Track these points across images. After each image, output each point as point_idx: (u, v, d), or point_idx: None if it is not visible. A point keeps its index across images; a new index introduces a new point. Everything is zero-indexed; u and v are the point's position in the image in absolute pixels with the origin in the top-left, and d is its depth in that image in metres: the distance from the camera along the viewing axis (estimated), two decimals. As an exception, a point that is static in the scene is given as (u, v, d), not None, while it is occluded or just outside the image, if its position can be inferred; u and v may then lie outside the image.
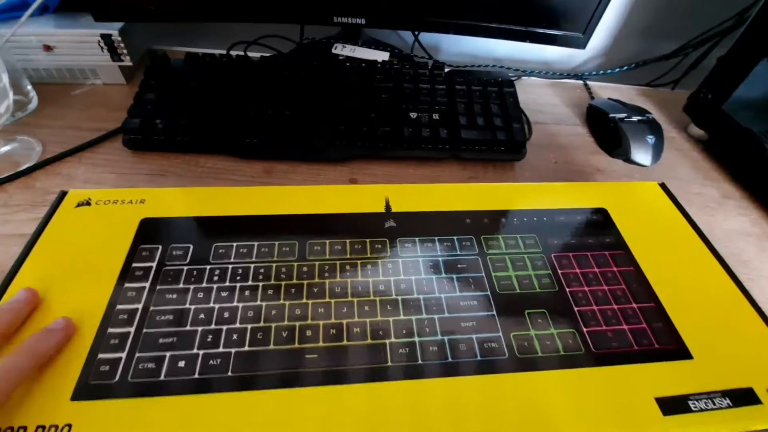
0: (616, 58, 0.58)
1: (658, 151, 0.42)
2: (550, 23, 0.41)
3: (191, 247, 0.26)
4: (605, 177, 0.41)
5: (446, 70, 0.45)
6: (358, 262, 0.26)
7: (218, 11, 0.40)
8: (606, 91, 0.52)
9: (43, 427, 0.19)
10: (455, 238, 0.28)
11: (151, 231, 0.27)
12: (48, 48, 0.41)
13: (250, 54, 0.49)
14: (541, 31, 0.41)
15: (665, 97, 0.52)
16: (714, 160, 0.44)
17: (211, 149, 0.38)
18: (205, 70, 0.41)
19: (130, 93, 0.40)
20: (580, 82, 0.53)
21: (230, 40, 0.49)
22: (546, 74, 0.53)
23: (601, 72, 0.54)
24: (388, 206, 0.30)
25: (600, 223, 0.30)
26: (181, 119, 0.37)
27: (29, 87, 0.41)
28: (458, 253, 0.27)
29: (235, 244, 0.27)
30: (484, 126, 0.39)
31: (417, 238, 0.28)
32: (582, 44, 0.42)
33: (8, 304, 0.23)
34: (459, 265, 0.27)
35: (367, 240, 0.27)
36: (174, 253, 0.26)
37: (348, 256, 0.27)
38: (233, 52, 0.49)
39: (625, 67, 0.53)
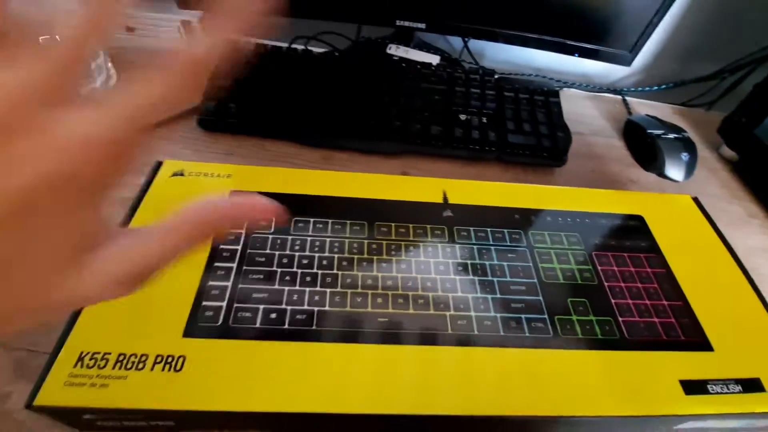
0: (653, 76, 0.61)
1: (691, 168, 0.45)
2: (599, 39, 0.44)
3: (274, 218, 0.30)
4: (638, 188, 0.44)
5: (495, 77, 0.48)
6: (421, 244, 0.30)
7: (289, 7, 0.44)
8: (643, 107, 0.55)
9: (162, 356, 0.24)
10: (506, 230, 0.32)
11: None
12: (130, 29, 0.45)
13: (310, 48, 0.53)
14: (589, 46, 0.44)
15: (700, 117, 0.55)
16: (742, 180, 0.47)
17: (276, 134, 0.42)
18: (273, 60, 0.45)
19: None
20: (619, 97, 0.56)
21: (291, 35, 0.53)
22: (586, 87, 0.57)
23: (640, 89, 0.57)
24: (445, 198, 0.33)
25: (636, 228, 0.34)
26: (252, 105, 0.41)
27: (110, 65, 0.46)
28: (508, 244, 0.31)
29: (312, 220, 0.31)
30: (530, 132, 0.43)
31: (472, 229, 0.31)
32: (628, 62, 0.45)
33: None
34: (509, 255, 0.30)
35: (428, 226, 0.31)
36: (260, 223, 0.30)
37: (411, 238, 0.30)
38: (295, 46, 0.53)
39: (664, 86, 0.56)
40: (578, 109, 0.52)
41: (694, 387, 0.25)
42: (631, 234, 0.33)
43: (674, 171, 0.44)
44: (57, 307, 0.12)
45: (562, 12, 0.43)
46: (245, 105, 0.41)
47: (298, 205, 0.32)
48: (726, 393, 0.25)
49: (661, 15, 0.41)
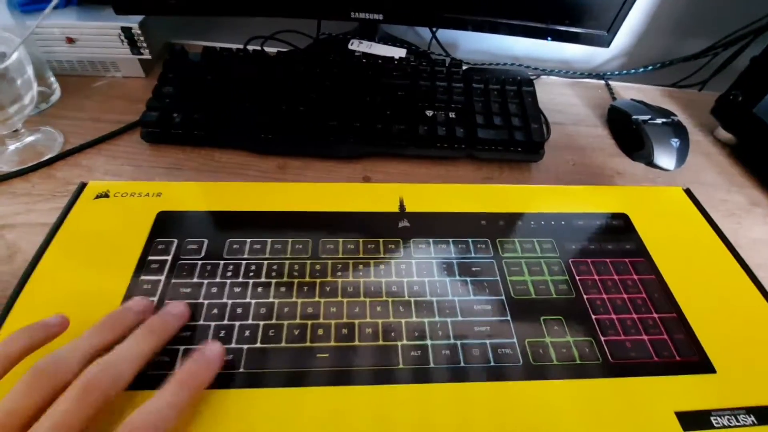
0: (639, 57, 0.56)
1: (682, 154, 0.40)
2: (573, 20, 0.40)
3: (206, 241, 0.26)
4: (625, 180, 0.39)
5: (464, 68, 0.44)
6: (371, 261, 0.26)
7: (236, 5, 0.40)
8: (629, 91, 0.50)
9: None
10: (470, 240, 0.27)
11: (167, 224, 0.27)
12: (70, 40, 0.42)
13: (266, 49, 0.49)
14: (562, 28, 0.40)
15: (692, 98, 0.50)
16: (742, 165, 0.42)
17: (227, 144, 0.38)
18: (222, 64, 0.41)
19: (149, 86, 0.40)
20: (602, 82, 0.51)
21: (247, 35, 0.49)
22: (566, 74, 0.52)
23: (624, 72, 0.52)
24: (402, 206, 0.29)
25: (620, 228, 0.29)
26: (198, 113, 0.37)
27: (52, 79, 0.42)
28: (473, 255, 0.27)
29: (248, 240, 0.27)
30: (502, 125, 0.38)
31: (431, 240, 0.27)
32: (606, 43, 0.40)
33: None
34: (473, 268, 0.26)
35: (381, 240, 0.27)
36: (189, 247, 0.26)
37: (361, 255, 0.26)
38: (250, 47, 0.49)
39: (650, 67, 0.52)
40: (557, 98, 0.48)
41: (694, 420, 0.21)
42: (614, 236, 0.29)
43: (664, 159, 0.40)
44: None
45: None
46: (191, 114, 0.37)
47: (233, 224, 0.28)
48: (735, 426, 0.20)
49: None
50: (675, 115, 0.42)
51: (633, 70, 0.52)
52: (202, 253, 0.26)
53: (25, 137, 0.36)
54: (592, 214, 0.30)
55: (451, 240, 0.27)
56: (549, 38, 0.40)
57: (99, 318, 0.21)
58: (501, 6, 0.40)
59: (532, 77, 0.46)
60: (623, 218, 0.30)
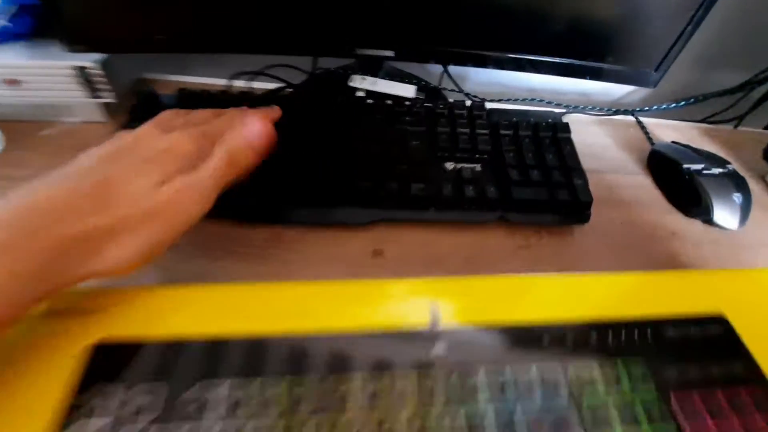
0: (661, 90, 0.49)
1: (745, 211, 0.33)
2: (615, 57, 0.32)
3: (165, 390, 0.18)
4: (682, 243, 0.32)
5: (486, 109, 0.36)
6: (397, 417, 0.17)
7: (217, 42, 0.32)
8: (663, 130, 0.43)
9: None
10: (534, 366, 0.19)
11: (107, 362, 0.18)
12: (13, 82, 0.33)
13: (255, 85, 0.40)
14: (604, 66, 0.32)
15: (732, 137, 0.43)
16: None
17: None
18: (202, 108, 0.33)
19: (111, 134, 0.31)
20: (631, 118, 0.44)
21: (232, 69, 0.40)
22: (593, 110, 0.45)
23: (655, 107, 0.45)
24: (435, 317, 0.21)
25: (720, 340, 0.21)
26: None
27: (-9, 128, 0.33)
28: (539, 403, 0.18)
29: (226, 389, 0.18)
30: (540, 182, 0.31)
31: (479, 380, 0.19)
32: (653, 82, 0.33)
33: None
34: (543, 421, 0.18)
35: (407, 379, 0.19)
36: (136, 400, 0.17)
37: (378, 413, 0.18)
38: (237, 83, 0.40)
39: (683, 102, 0.45)
40: (588, 140, 0.40)
41: None
42: (715, 351, 0.21)
43: (726, 217, 0.32)
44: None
45: (566, 26, 0.31)
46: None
47: (201, 361, 0.19)
48: None
49: (698, 22, 0.29)
50: (729, 163, 0.35)
51: (665, 106, 0.45)
52: (157, 412, 0.17)
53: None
54: (683, 319, 0.22)
55: (506, 378, 0.19)
56: (587, 77, 0.33)
57: None
58: (529, 40, 0.32)
59: (561, 116, 0.38)
60: (720, 324, 0.22)
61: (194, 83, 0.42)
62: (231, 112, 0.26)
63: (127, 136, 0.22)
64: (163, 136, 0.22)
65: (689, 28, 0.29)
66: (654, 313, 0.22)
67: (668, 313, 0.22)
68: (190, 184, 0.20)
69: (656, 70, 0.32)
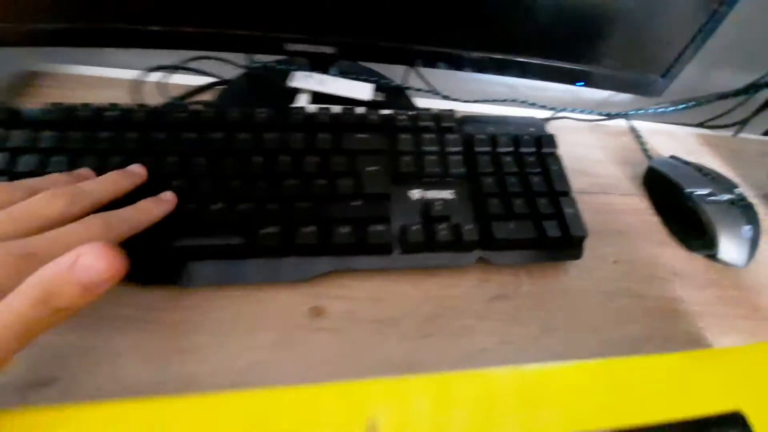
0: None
1: (754, 245, 0.28)
2: (616, 60, 0.26)
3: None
4: (683, 285, 0.27)
5: (457, 120, 0.29)
6: None
7: (118, 34, 0.23)
8: (658, 137, 0.38)
9: None
10: None
11: None
12: None
13: (176, 80, 0.32)
14: (603, 72, 0.26)
15: (731, 146, 0.38)
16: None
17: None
18: (83, 130, 0.24)
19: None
20: (623, 122, 0.38)
21: (150, 56, 0.32)
22: (581, 112, 0.39)
23: (651, 110, 0.39)
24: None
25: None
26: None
27: None
28: None
29: None
30: (525, 214, 0.25)
31: None
32: (659, 90, 0.27)
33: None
34: None
35: None
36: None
37: None
38: (151, 79, 0.32)
39: (682, 106, 0.39)
40: (575, 150, 0.34)
41: None
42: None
43: (732, 253, 0.27)
44: None
45: (560, 23, 0.24)
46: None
47: None
48: None
49: (718, 20, 0.23)
50: (736, 186, 0.30)
51: (661, 109, 0.39)
52: None
53: None
54: (699, 421, 0.17)
55: None
56: (584, 83, 0.27)
57: None
58: (521, 41, 0.26)
59: (545, 123, 0.32)
60: (738, 423, 0.17)
61: (100, 77, 0.33)
62: (61, 231, 0.17)
63: None
64: None
65: (710, 24, 0.23)
66: (659, 419, 0.16)
67: (675, 415, 0.17)
68: None
69: (663, 76, 0.26)
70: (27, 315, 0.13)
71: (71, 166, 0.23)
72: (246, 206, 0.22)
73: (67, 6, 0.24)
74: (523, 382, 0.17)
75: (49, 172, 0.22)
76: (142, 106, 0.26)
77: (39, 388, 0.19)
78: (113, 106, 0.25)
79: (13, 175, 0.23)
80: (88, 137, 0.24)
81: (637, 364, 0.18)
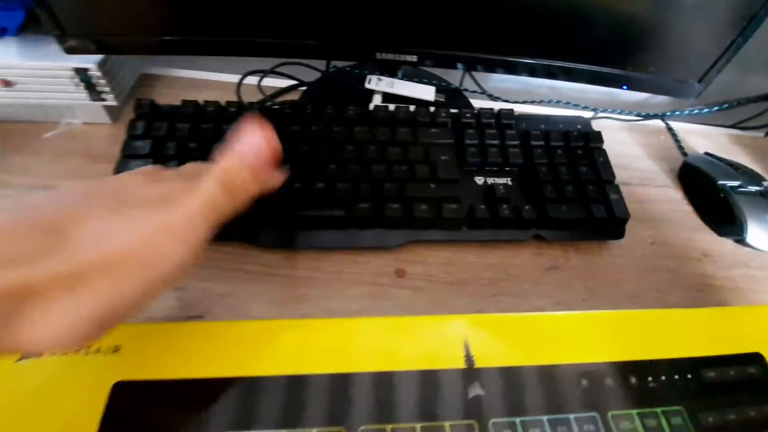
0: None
1: (781, 232, 0.31)
2: (656, 66, 0.30)
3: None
4: (714, 265, 0.31)
5: (515, 117, 0.34)
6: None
7: (225, 44, 0.29)
8: (694, 137, 0.41)
9: None
10: (572, 416, 0.18)
11: (127, 403, 0.17)
12: (6, 83, 0.30)
13: (267, 83, 0.38)
14: (644, 76, 0.30)
15: (764, 146, 0.41)
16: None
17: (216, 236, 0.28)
18: (206, 122, 0.30)
19: (117, 136, 0.29)
20: (659, 123, 0.42)
21: (244, 62, 0.37)
22: (621, 113, 0.42)
23: (687, 111, 0.43)
24: (469, 358, 0.20)
25: (759, 381, 0.20)
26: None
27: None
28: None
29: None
30: (576, 198, 0.29)
31: (518, 419, 0.18)
32: (695, 94, 0.31)
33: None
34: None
35: (446, 424, 0.18)
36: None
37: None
38: (246, 82, 0.38)
39: (716, 108, 0.42)
40: (617, 148, 0.38)
41: None
42: (755, 393, 0.20)
43: (759, 238, 0.31)
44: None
45: (604, 32, 0.28)
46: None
47: (226, 402, 0.18)
48: None
49: (751, 31, 0.27)
50: (765, 180, 0.33)
51: (696, 110, 0.42)
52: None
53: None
54: (721, 358, 0.21)
55: (545, 418, 0.18)
56: (625, 86, 0.31)
57: None
58: (568, 48, 0.30)
59: (590, 120, 0.36)
60: (758, 362, 0.21)
61: (202, 79, 0.39)
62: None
63: (108, 179, 0.18)
64: (150, 182, 0.18)
65: (749, 28, 0.27)
66: (691, 354, 0.21)
67: (705, 353, 0.21)
68: (169, 222, 0.16)
69: (700, 81, 0.30)
70: (214, 204, 0.17)
71: (203, 152, 0.29)
72: (343, 186, 0.28)
73: (176, 22, 0.30)
74: (576, 323, 0.21)
75: (186, 158, 0.28)
76: (252, 103, 0.32)
77: (191, 320, 0.25)
78: (233, 104, 0.31)
79: (157, 158, 0.29)
80: (216, 128, 0.30)
81: (670, 315, 0.22)
